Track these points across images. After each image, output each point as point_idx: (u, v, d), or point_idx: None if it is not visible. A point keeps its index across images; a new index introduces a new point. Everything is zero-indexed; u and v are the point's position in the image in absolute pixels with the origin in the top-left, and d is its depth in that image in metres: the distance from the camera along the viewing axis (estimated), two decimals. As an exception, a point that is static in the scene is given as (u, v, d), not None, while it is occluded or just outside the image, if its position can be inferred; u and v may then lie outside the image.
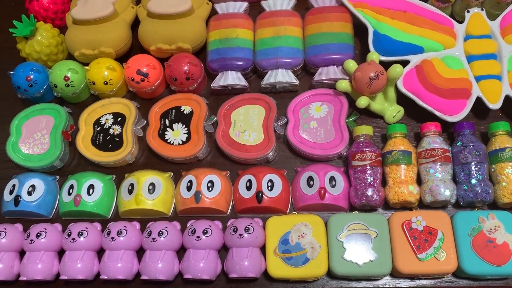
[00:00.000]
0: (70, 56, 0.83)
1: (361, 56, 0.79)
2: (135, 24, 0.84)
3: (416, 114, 0.74)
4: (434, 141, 0.68)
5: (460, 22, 0.76)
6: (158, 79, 0.77)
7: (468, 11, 0.76)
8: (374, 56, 0.73)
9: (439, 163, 0.67)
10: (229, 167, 0.75)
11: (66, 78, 0.77)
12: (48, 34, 0.81)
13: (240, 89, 0.78)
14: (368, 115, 0.75)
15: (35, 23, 0.80)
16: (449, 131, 0.73)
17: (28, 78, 0.77)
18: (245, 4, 0.83)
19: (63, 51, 0.84)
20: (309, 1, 0.82)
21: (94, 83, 0.77)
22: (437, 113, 0.70)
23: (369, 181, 0.67)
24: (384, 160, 0.68)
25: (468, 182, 0.66)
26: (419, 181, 0.68)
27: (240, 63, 0.77)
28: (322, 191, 0.67)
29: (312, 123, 0.73)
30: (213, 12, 0.83)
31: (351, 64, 0.73)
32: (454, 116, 0.70)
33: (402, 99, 0.73)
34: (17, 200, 0.71)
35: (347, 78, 0.75)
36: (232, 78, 0.77)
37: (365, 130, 0.70)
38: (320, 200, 0.67)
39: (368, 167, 0.67)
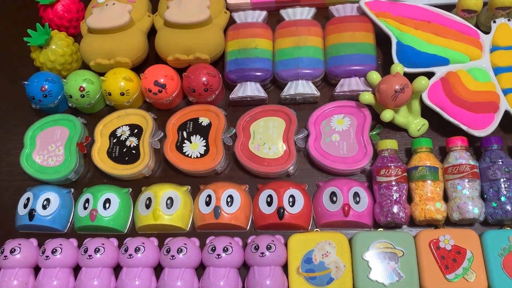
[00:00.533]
0: (85, 66, 0.81)
1: (384, 67, 0.77)
2: (152, 32, 0.82)
3: (441, 128, 0.72)
4: (461, 156, 0.66)
5: (486, 32, 0.74)
6: (175, 90, 0.76)
7: (494, 22, 0.74)
8: (398, 67, 0.71)
9: (466, 180, 0.64)
10: (248, 180, 0.73)
11: (82, 89, 0.75)
12: (62, 43, 0.79)
13: (259, 100, 0.76)
14: (391, 128, 0.73)
15: (49, 32, 0.78)
16: (476, 145, 0.71)
17: (43, 88, 0.76)
18: (264, 13, 0.81)
19: (78, 60, 0.83)
20: (330, 10, 0.80)
21: (110, 94, 0.75)
22: (464, 127, 0.68)
23: (394, 197, 0.65)
24: (409, 176, 0.66)
25: (497, 199, 0.64)
26: (446, 197, 0.66)
27: (259, 74, 0.75)
28: (346, 208, 0.65)
29: (334, 136, 0.71)
30: (231, 21, 0.81)
31: (375, 76, 0.71)
32: (481, 130, 0.68)
33: (426, 112, 0.71)
34: (31, 214, 0.70)
35: (370, 90, 0.73)
36: (251, 89, 0.75)
37: (390, 144, 0.68)
38: (344, 217, 0.65)
39: (393, 183, 0.65)
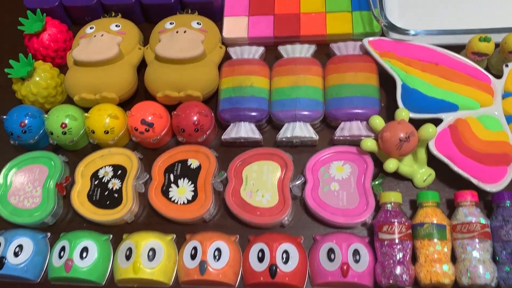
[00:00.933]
0: (70, 98, 0.76)
1: (387, 110, 0.72)
2: (142, 65, 0.77)
3: (449, 178, 0.67)
4: (471, 213, 0.60)
5: (498, 76, 0.70)
6: (164, 129, 0.71)
7: (506, 66, 0.69)
8: (403, 113, 0.66)
9: (477, 240, 0.59)
10: (239, 229, 0.67)
11: (63, 125, 0.70)
12: (46, 75, 0.74)
13: (253, 141, 0.71)
14: (395, 176, 0.68)
15: (33, 63, 0.73)
16: (487, 199, 0.65)
17: (22, 124, 0.71)
18: (261, 49, 0.76)
19: (63, 92, 0.78)
20: (331, 48, 0.75)
21: (93, 132, 0.70)
22: (474, 181, 0.63)
23: (398, 258, 0.59)
24: (414, 233, 0.61)
25: (511, 262, 0.58)
26: (453, 257, 0.61)
27: (254, 114, 0.70)
28: (345, 267, 0.59)
29: (333, 185, 0.66)
30: (227, 56, 0.77)
31: (377, 121, 0.66)
32: (493, 185, 0.62)
33: (433, 160, 0.66)
34: (1, 262, 0.64)
35: (372, 135, 0.68)
36: (245, 130, 0.70)
37: (393, 197, 0.62)
38: (343, 278, 0.59)
39: (397, 241, 0.59)
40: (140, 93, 0.78)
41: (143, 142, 0.72)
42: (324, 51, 0.78)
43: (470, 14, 0.76)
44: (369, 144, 0.65)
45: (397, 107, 0.68)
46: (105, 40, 0.74)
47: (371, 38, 0.73)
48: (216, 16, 0.81)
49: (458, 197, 0.62)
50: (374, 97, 0.70)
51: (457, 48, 0.72)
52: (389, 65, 0.70)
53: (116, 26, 0.77)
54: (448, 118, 0.66)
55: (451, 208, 0.66)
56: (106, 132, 0.70)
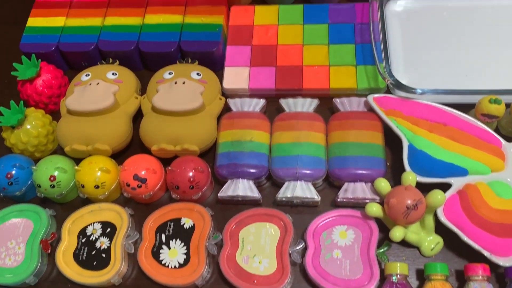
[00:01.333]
0: (62, 147, 0.73)
1: (393, 169, 0.69)
2: (138, 114, 0.74)
3: (458, 247, 0.63)
4: (482, 288, 0.56)
5: (508, 139, 0.67)
6: (157, 185, 0.67)
7: (517, 128, 0.67)
8: (410, 177, 0.62)
9: (490, 320, 0.55)
10: (234, 296, 0.63)
11: (52, 178, 0.67)
12: (38, 123, 0.71)
13: (251, 200, 0.67)
14: (401, 243, 0.64)
15: (24, 111, 0.71)
16: (498, 271, 0.61)
17: (9, 175, 0.67)
18: (262, 101, 0.74)
19: (54, 140, 0.74)
20: (334, 103, 0.73)
21: (83, 186, 0.67)
22: (486, 253, 0.59)
23: (405, 338, 0.55)
24: (422, 309, 0.57)
25: None
26: (464, 337, 0.56)
27: (253, 170, 0.67)
28: None
29: (335, 252, 0.62)
30: (226, 107, 0.74)
31: (383, 184, 0.63)
32: (506, 258, 0.58)
33: (441, 228, 0.62)
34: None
35: (377, 198, 0.64)
36: (243, 188, 0.66)
37: (400, 268, 0.58)
38: None
39: (403, 318, 0.55)
40: (135, 143, 0.75)
41: (135, 197, 0.68)
42: (327, 105, 0.75)
43: (479, 73, 0.74)
44: (374, 209, 0.62)
45: (403, 167, 0.65)
46: (100, 89, 0.71)
47: (376, 95, 0.70)
48: (216, 65, 0.78)
49: (469, 270, 0.58)
50: (379, 157, 0.66)
51: (466, 107, 0.70)
52: (395, 124, 0.68)
53: (113, 74, 0.74)
54: (457, 183, 0.63)
55: (460, 279, 0.61)
56: (97, 187, 0.66)
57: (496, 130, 0.69)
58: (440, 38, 0.78)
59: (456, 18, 0.80)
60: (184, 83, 0.71)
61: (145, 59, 0.80)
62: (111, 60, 0.78)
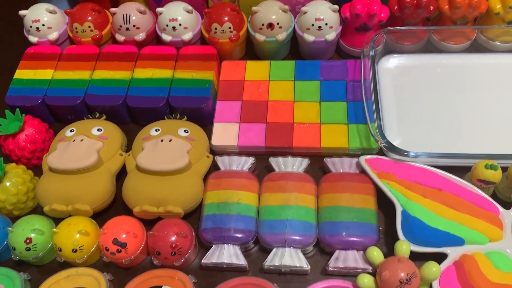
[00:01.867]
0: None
1: (386, 235, 0.66)
2: (122, 171, 0.72)
3: (455, 323, 0.59)
4: None
5: (506, 204, 0.64)
6: (138, 249, 0.63)
7: (515, 195, 0.64)
8: (404, 247, 0.59)
9: None
10: None
11: (28, 241, 0.63)
12: (18, 181, 0.69)
13: (237, 267, 0.64)
14: (394, 317, 0.60)
15: (4, 168, 0.68)
16: None
17: (-18, 237, 0.64)
18: (251, 160, 0.71)
19: (34, 197, 0.72)
20: (325, 163, 0.70)
21: (60, 250, 0.63)
22: (486, 333, 0.55)
23: None
24: None
25: None
26: None
27: (240, 235, 0.64)
28: None
29: (324, 328, 0.58)
30: (214, 164, 0.72)
31: (375, 253, 0.59)
32: None
33: (437, 301, 0.59)
34: None
35: (370, 268, 0.61)
36: (228, 255, 0.63)
37: None
38: None
39: None
40: (118, 200, 0.72)
41: (115, 261, 0.65)
42: (318, 164, 0.73)
43: (475, 134, 0.72)
44: (366, 281, 0.58)
45: (396, 234, 0.62)
46: (84, 146, 0.69)
47: (368, 157, 0.68)
48: (206, 121, 0.77)
49: None
50: (372, 224, 0.63)
51: (461, 169, 0.68)
52: (388, 188, 0.65)
53: (98, 130, 0.72)
54: (453, 253, 0.60)
55: None
56: (75, 251, 0.63)
57: (493, 194, 0.67)
58: (434, 97, 0.77)
59: (450, 75, 0.79)
60: (170, 140, 0.69)
61: (133, 113, 0.78)
62: (97, 115, 0.76)
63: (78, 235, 0.63)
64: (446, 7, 0.76)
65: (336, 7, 0.76)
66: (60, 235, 0.64)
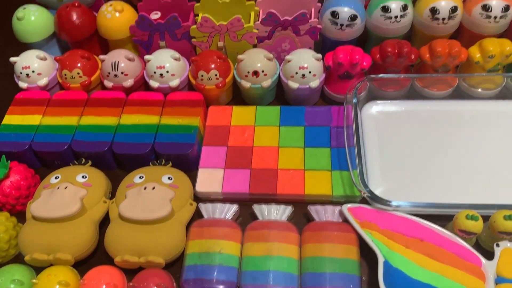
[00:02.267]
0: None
1: (369, 285, 0.65)
2: (106, 218, 0.72)
3: None
4: None
5: (488, 255, 0.64)
6: (118, 301, 0.63)
7: (497, 245, 0.63)
8: (385, 300, 0.59)
9: None
10: None
11: (7, 293, 0.63)
12: (0, 228, 0.69)
13: (219, 320, 0.63)
14: None
15: (-14, 216, 0.68)
16: None
17: (-39, 289, 0.64)
18: (234, 207, 0.71)
19: (17, 245, 0.71)
20: (309, 211, 0.70)
21: (39, 302, 0.63)
22: None
23: None
24: None
25: None
26: None
27: (222, 287, 0.63)
28: None
29: None
30: (197, 210, 0.72)
31: (357, 306, 0.59)
32: None
33: None
34: None
35: (352, 321, 0.60)
36: (210, 306, 0.63)
37: None
38: None
39: None
40: (101, 248, 0.71)
41: (94, 312, 0.64)
42: (302, 211, 0.73)
43: (457, 183, 0.72)
44: (347, 336, 0.58)
45: (378, 285, 0.61)
46: (67, 194, 0.69)
47: (350, 205, 0.68)
48: (191, 166, 0.77)
49: None
50: (354, 275, 0.63)
51: (445, 218, 0.67)
52: (370, 238, 0.65)
53: (83, 177, 0.73)
54: (436, 307, 0.59)
55: None
56: (54, 302, 0.62)
57: (477, 243, 0.67)
58: (417, 143, 0.77)
59: (433, 122, 0.80)
60: (153, 188, 0.70)
61: (118, 159, 0.79)
62: (83, 160, 0.77)
63: (57, 286, 0.63)
64: (427, 55, 0.78)
65: (320, 55, 0.78)
66: (40, 286, 0.63)
